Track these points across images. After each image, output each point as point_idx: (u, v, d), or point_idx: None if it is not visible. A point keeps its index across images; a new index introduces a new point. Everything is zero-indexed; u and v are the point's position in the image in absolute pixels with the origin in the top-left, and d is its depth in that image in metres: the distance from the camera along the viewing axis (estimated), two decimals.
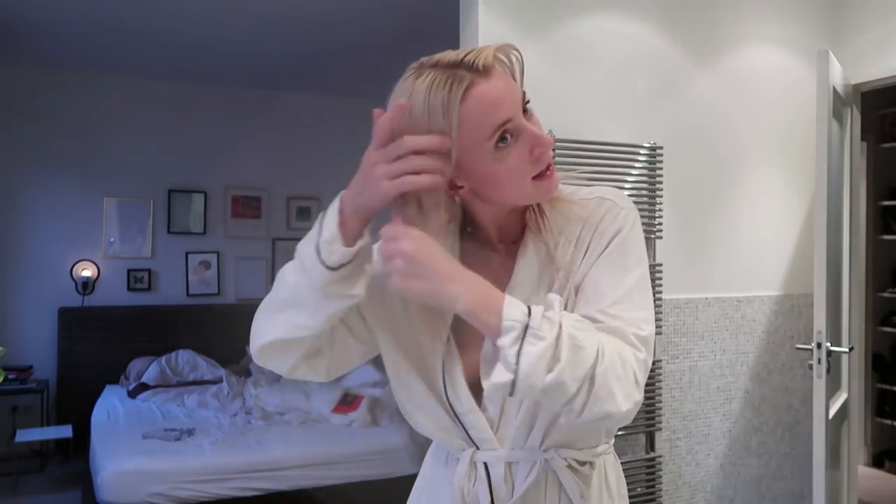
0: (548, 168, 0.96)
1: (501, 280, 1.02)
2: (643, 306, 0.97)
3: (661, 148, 2.70)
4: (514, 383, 0.84)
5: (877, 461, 4.70)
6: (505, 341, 0.85)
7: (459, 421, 1.04)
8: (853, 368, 3.09)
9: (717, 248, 2.90)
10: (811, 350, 2.51)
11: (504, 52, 0.95)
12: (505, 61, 0.95)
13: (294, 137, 5.84)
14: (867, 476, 4.41)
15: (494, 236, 1.05)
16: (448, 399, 1.04)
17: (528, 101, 0.96)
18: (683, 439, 2.82)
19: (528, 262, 1.02)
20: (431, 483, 1.14)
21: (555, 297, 0.90)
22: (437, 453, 1.16)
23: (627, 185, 2.64)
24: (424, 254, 0.87)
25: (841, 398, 2.86)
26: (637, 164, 2.67)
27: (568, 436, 1.03)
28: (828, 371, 2.47)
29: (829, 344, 2.47)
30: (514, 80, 0.96)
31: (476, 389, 1.02)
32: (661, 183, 2.69)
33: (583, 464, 1.05)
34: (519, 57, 0.97)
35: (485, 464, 1.04)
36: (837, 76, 2.70)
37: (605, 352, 0.88)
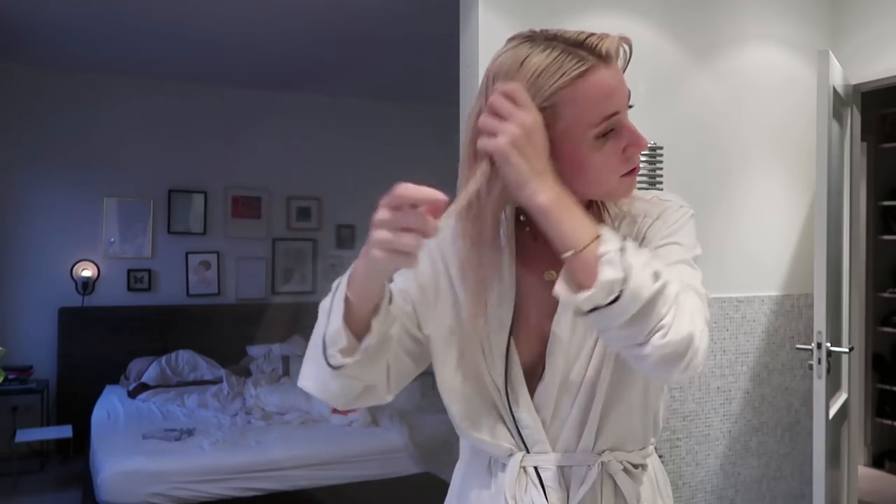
0: (634, 168, 0.96)
1: (553, 272, 0.99)
2: (697, 275, 0.96)
3: (661, 148, 2.70)
4: (625, 281, 0.79)
5: (877, 461, 4.70)
6: (609, 246, 0.81)
7: (514, 419, 1.00)
8: (853, 368, 3.08)
9: (717, 248, 2.90)
10: (811, 350, 2.51)
11: (625, 46, 0.93)
12: (622, 55, 0.94)
13: (294, 137, 5.84)
14: (867, 476, 4.41)
15: None
16: (507, 394, 1.00)
17: (630, 103, 0.94)
18: (683, 439, 2.82)
19: None
20: (471, 492, 1.07)
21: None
22: (473, 461, 1.09)
23: None
24: (538, 138, 0.85)
25: (841, 398, 2.86)
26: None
27: (619, 436, 1.01)
28: (828, 371, 2.47)
29: (829, 344, 2.47)
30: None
31: (530, 388, 1.00)
32: (661, 183, 2.69)
33: (636, 466, 1.03)
34: (628, 53, 0.95)
35: (535, 468, 1.00)
36: (837, 76, 2.70)
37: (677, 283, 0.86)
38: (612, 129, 0.91)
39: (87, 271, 5.20)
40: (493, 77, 0.92)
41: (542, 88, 0.87)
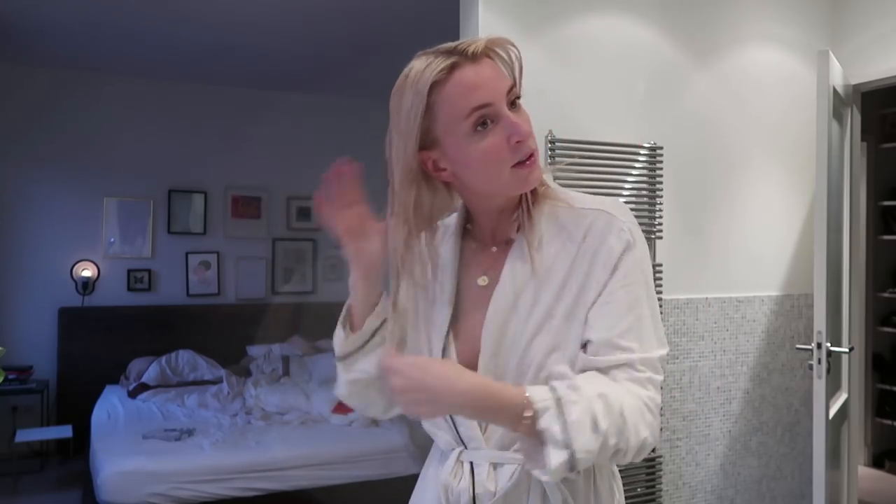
0: (528, 158, 0.98)
1: (494, 279, 1.05)
2: (653, 330, 1.00)
3: (661, 148, 2.70)
4: (572, 457, 0.87)
5: (877, 461, 4.70)
6: (547, 421, 0.88)
7: (451, 417, 1.06)
8: (853, 368, 3.08)
9: (717, 248, 2.90)
10: (811, 350, 2.51)
11: (501, 46, 0.99)
12: (504, 56, 1.00)
13: (294, 137, 5.83)
14: (867, 476, 4.40)
15: (489, 234, 1.08)
16: None
17: (517, 97, 0.99)
18: (683, 439, 2.82)
19: (515, 265, 1.03)
20: (427, 481, 1.16)
21: (563, 368, 0.97)
22: (434, 453, 1.18)
23: (627, 185, 2.65)
24: (416, 382, 0.91)
25: (841, 398, 2.86)
26: (637, 164, 2.67)
27: None
28: (828, 371, 2.47)
29: (829, 344, 2.47)
30: (514, 75, 1.00)
31: None
32: (661, 183, 2.69)
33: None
34: (517, 54, 1.00)
35: (471, 463, 1.05)
36: (837, 76, 2.70)
37: (619, 391, 0.94)
38: (492, 122, 0.96)
39: (87, 271, 5.19)
40: (391, 96, 1.01)
41: (420, 92, 0.96)
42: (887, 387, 4.67)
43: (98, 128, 5.28)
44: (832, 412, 2.60)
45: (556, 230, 1.03)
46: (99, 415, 4.30)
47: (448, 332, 1.06)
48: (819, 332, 2.46)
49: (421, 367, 0.92)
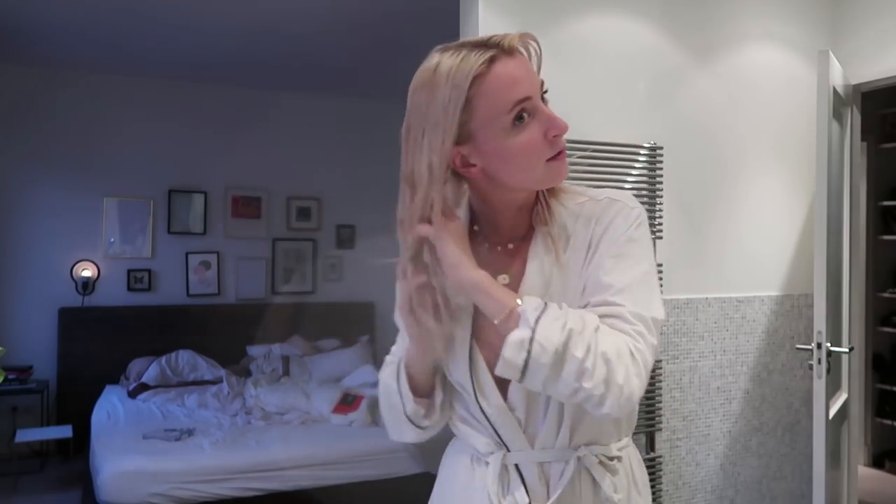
0: (560, 153, 0.99)
1: (515, 276, 1.04)
2: (648, 294, 1.00)
3: (661, 148, 2.70)
4: (532, 338, 0.89)
5: (877, 461, 4.70)
6: (528, 305, 0.93)
7: (489, 422, 1.05)
8: (853, 368, 3.08)
9: (717, 248, 2.90)
10: (811, 350, 2.50)
11: (524, 42, 0.98)
12: (522, 52, 0.99)
13: (294, 137, 5.84)
14: (867, 476, 4.40)
15: (506, 231, 1.06)
16: (477, 400, 1.05)
17: (545, 91, 1.00)
18: (683, 439, 2.82)
19: (539, 259, 1.03)
20: (457, 485, 1.12)
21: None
22: (458, 455, 1.14)
23: (627, 185, 2.64)
24: (464, 235, 1.00)
25: (841, 398, 2.86)
26: (637, 164, 2.67)
27: (594, 431, 1.05)
28: (828, 371, 2.47)
29: (829, 344, 2.47)
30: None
31: (503, 390, 1.04)
32: (661, 183, 2.69)
33: (612, 459, 1.07)
34: (538, 49, 1.01)
35: (516, 466, 1.04)
36: (837, 76, 2.70)
37: (602, 328, 0.94)
38: (529, 115, 0.96)
39: (87, 271, 5.19)
40: (412, 90, 0.98)
41: (458, 86, 0.93)
42: (887, 387, 4.67)
43: (98, 128, 5.28)
44: (832, 412, 2.60)
45: (573, 220, 1.04)
46: (99, 415, 4.30)
47: (471, 340, 1.05)
48: (819, 333, 2.46)
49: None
